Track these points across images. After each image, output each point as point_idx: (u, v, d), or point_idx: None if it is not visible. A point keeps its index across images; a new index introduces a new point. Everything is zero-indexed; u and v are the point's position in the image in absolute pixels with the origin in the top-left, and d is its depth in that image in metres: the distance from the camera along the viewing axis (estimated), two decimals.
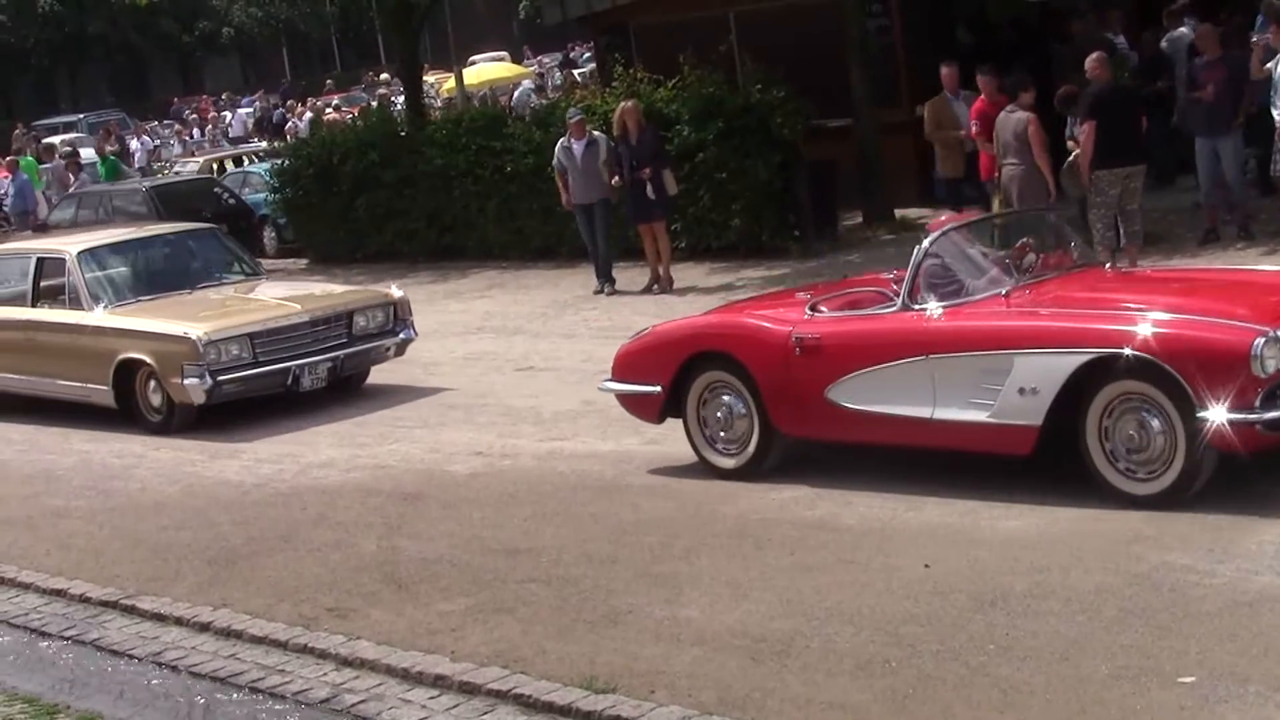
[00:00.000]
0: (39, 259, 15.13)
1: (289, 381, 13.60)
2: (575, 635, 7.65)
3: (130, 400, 13.93)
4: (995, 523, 8.63)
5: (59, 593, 9.45)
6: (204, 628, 8.49)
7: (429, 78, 39.80)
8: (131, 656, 8.34)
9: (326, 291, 15.18)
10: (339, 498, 10.91)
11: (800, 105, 18.80)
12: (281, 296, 14.62)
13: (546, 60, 57.12)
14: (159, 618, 8.76)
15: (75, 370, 14.31)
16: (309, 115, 40.00)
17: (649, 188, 17.60)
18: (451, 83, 36.21)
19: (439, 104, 37.34)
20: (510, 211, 21.21)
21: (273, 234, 26.15)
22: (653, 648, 7.38)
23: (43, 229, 25.10)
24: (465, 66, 39.49)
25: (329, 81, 63.24)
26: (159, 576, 9.47)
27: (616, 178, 17.83)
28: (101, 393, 14.07)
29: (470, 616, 8.08)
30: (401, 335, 14.34)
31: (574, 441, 11.77)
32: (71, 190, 27.11)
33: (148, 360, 13.58)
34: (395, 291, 14.62)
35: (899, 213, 19.82)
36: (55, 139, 48.19)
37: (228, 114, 53.39)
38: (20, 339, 14.96)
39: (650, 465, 10.77)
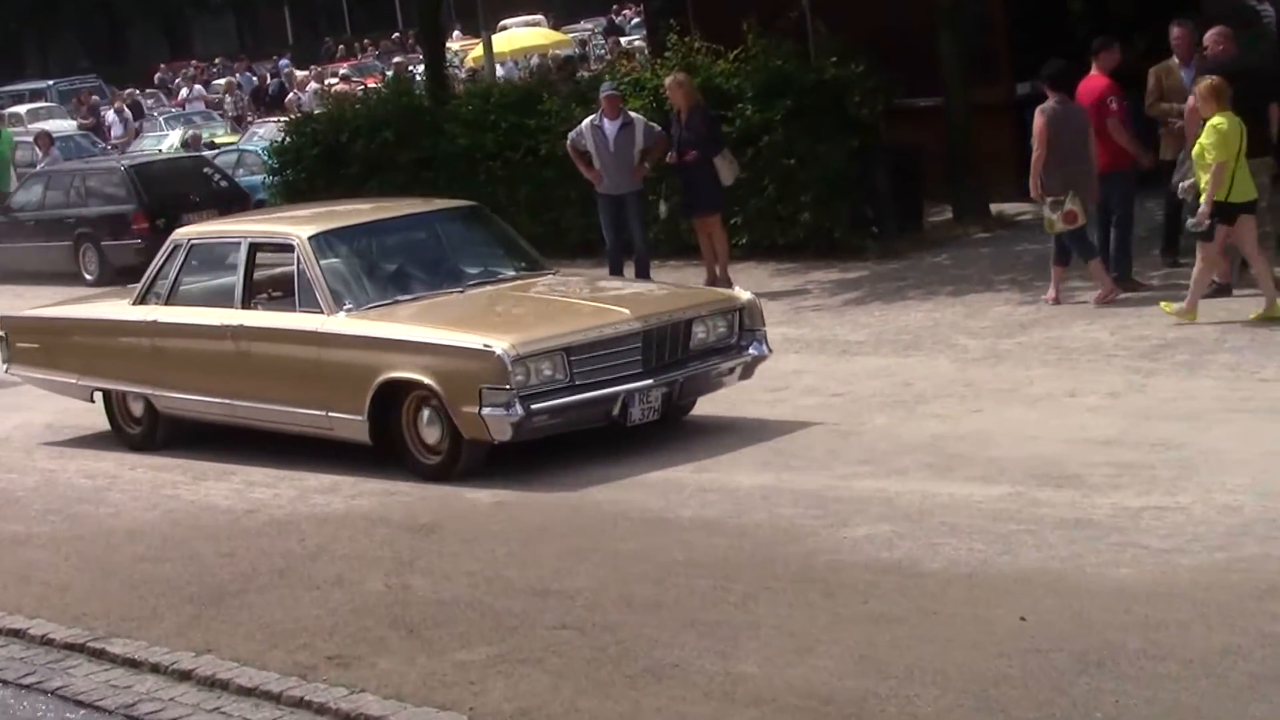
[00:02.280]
0: (252, 245, 13.31)
1: (616, 412, 11.88)
2: (613, 691, 7.65)
3: (394, 434, 12.12)
4: (1103, 570, 8.59)
5: (17, 633, 9.48)
6: (185, 676, 8.51)
7: (453, 45, 39.96)
8: (100, 708, 8.35)
9: (652, 292, 13.75)
10: (342, 528, 10.94)
11: (881, 82, 18.79)
12: (596, 299, 12.96)
13: (588, 25, 57.35)
14: (133, 664, 8.78)
15: (310, 394, 12.44)
16: (313, 85, 40.29)
17: (696, 177, 17.58)
18: (479, 51, 36.36)
19: (464, 75, 37.51)
20: (545, 200, 21.23)
21: None
22: (702, 707, 7.37)
23: (6, 212, 25.33)
24: (495, 32, 39.66)
25: (347, 45, 63.57)
26: (133, 616, 9.50)
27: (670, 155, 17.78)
28: (353, 424, 12.18)
29: (492, 667, 8.09)
30: (751, 352, 12.54)
31: (612, 467, 11.77)
32: (40, 167, 27.35)
33: (425, 382, 11.72)
34: (742, 294, 13.03)
35: (995, 208, 19.78)
36: (21, 108, 48.67)
37: (184, 90, 53.02)
38: (228, 351, 13.13)
39: (702, 496, 10.76)
